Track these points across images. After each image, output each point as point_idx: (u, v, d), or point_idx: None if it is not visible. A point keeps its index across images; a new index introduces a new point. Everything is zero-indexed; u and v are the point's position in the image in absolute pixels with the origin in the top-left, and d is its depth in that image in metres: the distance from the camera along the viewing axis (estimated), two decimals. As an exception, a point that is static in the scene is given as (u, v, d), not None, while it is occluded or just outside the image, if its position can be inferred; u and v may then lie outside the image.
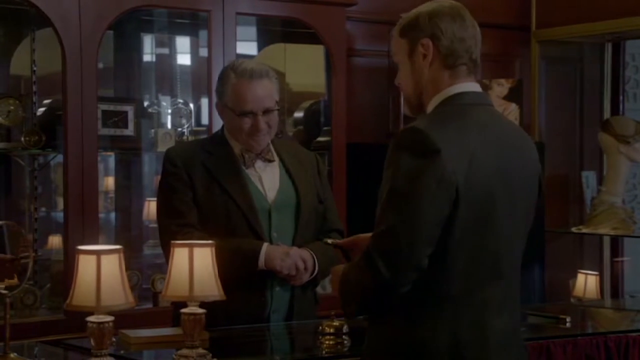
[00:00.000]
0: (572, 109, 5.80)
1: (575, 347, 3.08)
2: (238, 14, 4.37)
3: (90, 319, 2.45)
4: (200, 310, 2.56)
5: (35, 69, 4.40)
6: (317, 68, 4.90)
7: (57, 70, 4.04)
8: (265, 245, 3.13)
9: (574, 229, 5.29)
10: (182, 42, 5.03)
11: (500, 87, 5.14)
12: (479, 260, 2.25)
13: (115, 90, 4.76)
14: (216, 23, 4.31)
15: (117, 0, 4.10)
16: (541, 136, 5.52)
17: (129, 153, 4.72)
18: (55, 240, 4.46)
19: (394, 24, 2.43)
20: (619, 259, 5.67)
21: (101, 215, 4.35)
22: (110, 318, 2.46)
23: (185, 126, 4.66)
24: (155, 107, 4.71)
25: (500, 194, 2.27)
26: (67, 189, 3.99)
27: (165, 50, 5.03)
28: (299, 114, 5.06)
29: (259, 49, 5.11)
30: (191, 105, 4.74)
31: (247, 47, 4.94)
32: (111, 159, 4.75)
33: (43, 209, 4.51)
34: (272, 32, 5.05)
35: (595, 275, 5.20)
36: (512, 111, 5.09)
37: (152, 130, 4.61)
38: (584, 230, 5.18)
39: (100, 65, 4.27)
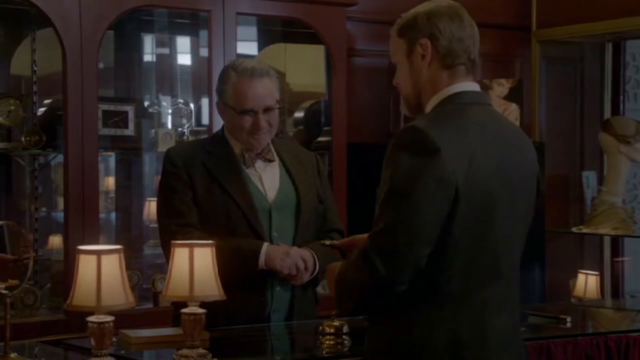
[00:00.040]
0: (573, 109, 5.80)
1: (576, 347, 3.07)
2: (238, 14, 4.37)
3: (91, 319, 2.45)
4: (201, 310, 2.56)
5: (35, 69, 4.40)
6: (318, 68, 4.90)
7: (57, 70, 4.04)
8: (266, 245, 3.13)
9: (574, 229, 5.29)
10: (183, 42, 5.03)
11: (501, 87, 5.13)
12: (478, 259, 2.25)
13: (115, 90, 4.76)
14: (216, 23, 4.31)
15: (118, 0, 4.10)
16: (541, 136, 5.51)
17: (129, 153, 4.71)
18: (55, 240, 4.46)
19: (394, 24, 2.43)
20: (620, 259, 5.67)
21: (101, 215, 4.35)
22: (110, 318, 2.46)
23: (186, 126, 4.65)
24: (156, 107, 4.71)
25: (500, 193, 2.27)
26: (68, 189, 3.99)
27: (166, 50, 5.03)
28: (299, 114, 5.06)
29: (259, 49, 5.10)
30: (191, 105, 4.73)
31: (248, 47, 4.93)
32: (111, 159, 4.75)
33: (43, 209, 4.51)
34: (273, 32, 5.04)
35: (596, 275, 5.19)
36: (512, 111, 5.08)
37: (153, 130, 4.60)
38: (585, 230, 5.17)
39: (101, 65, 4.27)
